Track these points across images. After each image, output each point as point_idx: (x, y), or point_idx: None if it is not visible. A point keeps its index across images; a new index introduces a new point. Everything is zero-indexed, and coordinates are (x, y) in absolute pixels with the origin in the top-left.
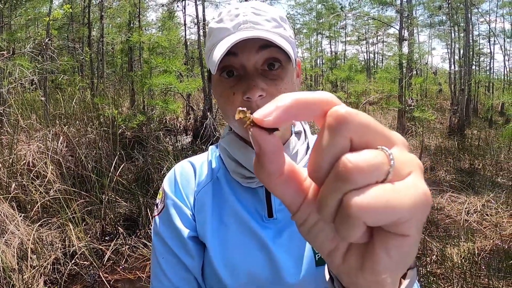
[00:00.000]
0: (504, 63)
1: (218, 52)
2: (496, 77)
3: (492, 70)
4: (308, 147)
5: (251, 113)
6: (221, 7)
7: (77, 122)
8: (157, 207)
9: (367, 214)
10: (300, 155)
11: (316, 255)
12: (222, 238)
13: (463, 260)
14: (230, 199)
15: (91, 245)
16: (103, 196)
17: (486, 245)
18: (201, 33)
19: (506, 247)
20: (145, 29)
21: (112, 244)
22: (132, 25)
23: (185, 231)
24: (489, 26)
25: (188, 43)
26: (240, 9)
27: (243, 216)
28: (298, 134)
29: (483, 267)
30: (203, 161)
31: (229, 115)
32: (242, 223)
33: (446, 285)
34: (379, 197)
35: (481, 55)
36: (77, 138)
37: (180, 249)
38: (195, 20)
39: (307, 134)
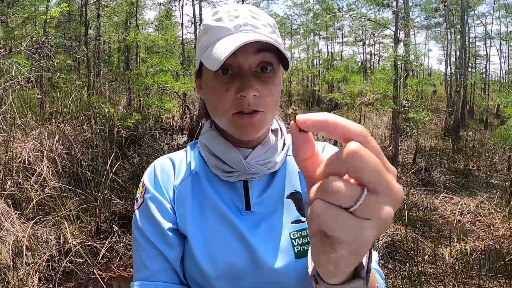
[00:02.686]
0: (500, 65)
1: (223, 49)
2: (493, 79)
3: (488, 72)
4: (284, 144)
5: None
6: (218, 7)
7: (73, 120)
8: (137, 201)
9: (317, 219)
10: (278, 150)
11: (295, 248)
12: (202, 230)
13: (455, 260)
14: (209, 193)
15: (85, 243)
16: (99, 194)
17: (479, 246)
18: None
19: (498, 247)
20: (142, 28)
21: (106, 242)
22: (129, 24)
23: (165, 224)
24: (485, 28)
25: (185, 43)
26: (239, 11)
27: (221, 208)
28: (275, 131)
29: (475, 267)
30: (182, 157)
31: (219, 110)
32: (220, 214)
33: (437, 284)
34: (330, 214)
35: (477, 57)
36: (73, 136)
37: (160, 241)
38: (192, 20)
39: (283, 132)
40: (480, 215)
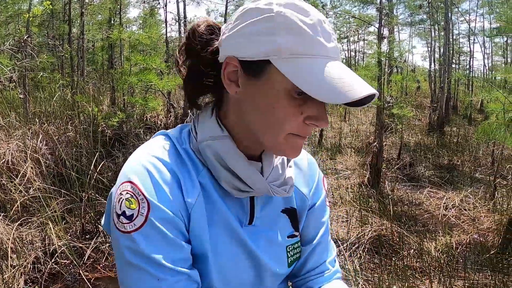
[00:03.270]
0: (484, 62)
1: (346, 83)
2: (476, 75)
3: (471, 68)
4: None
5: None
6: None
7: (57, 120)
8: (128, 218)
9: None
10: (282, 160)
11: (289, 259)
12: (214, 249)
13: (440, 254)
14: (220, 207)
15: (71, 244)
16: (83, 194)
17: (464, 239)
18: (182, 30)
19: (483, 240)
20: (126, 26)
21: (92, 242)
22: (112, 22)
23: (183, 245)
24: (469, 25)
25: (169, 41)
26: (327, 24)
27: (232, 224)
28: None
29: (461, 260)
30: (177, 161)
31: (276, 128)
32: (231, 230)
33: (423, 278)
34: None
35: (461, 54)
36: (57, 136)
37: (182, 264)
38: (176, 17)
39: None
40: (465, 209)
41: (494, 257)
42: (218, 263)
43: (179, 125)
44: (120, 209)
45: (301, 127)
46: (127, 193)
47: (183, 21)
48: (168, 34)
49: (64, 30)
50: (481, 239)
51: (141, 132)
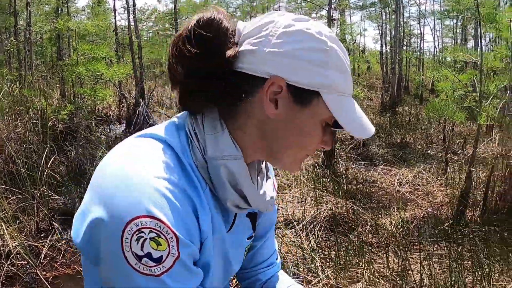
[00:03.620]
0: (434, 44)
1: (367, 124)
2: (427, 56)
3: (422, 50)
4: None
5: None
6: (323, 27)
7: (6, 117)
8: (156, 261)
9: None
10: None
11: (244, 257)
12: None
13: (396, 228)
14: (218, 225)
15: (26, 244)
16: (35, 191)
17: (418, 213)
18: (131, 19)
19: (437, 214)
20: (74, 16)
21: (48, 241)
22: (60, 12)
23: (200, 272)
24: (419, 7)
25: (118, 30)
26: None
27: (224, 240)
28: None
29: (416, 233)
30: (189, 184)
31: (299, 147)
32: (221, 245)
33: (380, 253)
34: None
35: (411, 36)
36: (5, 133)
37: None
38: (125, 5)
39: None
40: (419, 185)
41: (448, 228)
42: (209, 271)
43: (170, 125)
44: (142, 250)
45: (314, 148)
46: (151, 231)
47: (132, 9)
48: (118, 23)
49: (10, 23)
50: (435, 212)
51: (93, 124)
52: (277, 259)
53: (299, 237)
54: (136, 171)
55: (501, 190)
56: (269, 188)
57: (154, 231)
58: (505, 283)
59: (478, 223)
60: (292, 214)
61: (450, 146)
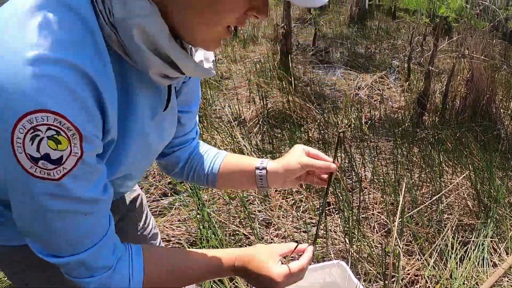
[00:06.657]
0: None
1: None
2: None
3: None
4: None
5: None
6: None
7: None
8: (55, 163)
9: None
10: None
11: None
12: (128, 136)
13: (348, 127)
14: (138, 97)
15: None
16: None
17: (374, 115)
18: None
19: (395, 116)
20: None
21: None
22: None
23: (104, 168)
24: None
25: None
26: None
27: (144, 120)
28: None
29: (370, 134)
30: (92, 59)
31: (215, 21)
32: (141, 127)
33: (326, 148)
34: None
35: None
36: None
37: (104, 185)
38: None
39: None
40: (378, 89)
41: (404, 131)
42: (131, 149)
43: None
44: (38, 151)
45: (240, 19)
46: (48, 128)
47: None
48: None
49: None
50: (393, 115)
51: None
52: (196, 132)
53: (245, 133)
54: (21, 50)
55: (462, 92)
56: (206, 52)
57: (53, 128)
58: (459, 180)
59: (437, 127)
60: (241, 112)
61: (416, 56)
